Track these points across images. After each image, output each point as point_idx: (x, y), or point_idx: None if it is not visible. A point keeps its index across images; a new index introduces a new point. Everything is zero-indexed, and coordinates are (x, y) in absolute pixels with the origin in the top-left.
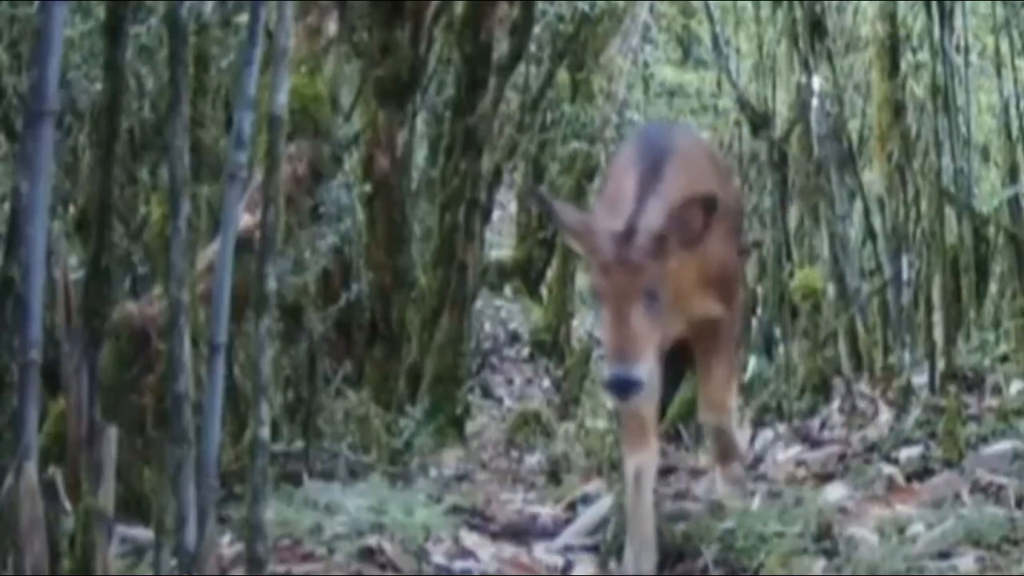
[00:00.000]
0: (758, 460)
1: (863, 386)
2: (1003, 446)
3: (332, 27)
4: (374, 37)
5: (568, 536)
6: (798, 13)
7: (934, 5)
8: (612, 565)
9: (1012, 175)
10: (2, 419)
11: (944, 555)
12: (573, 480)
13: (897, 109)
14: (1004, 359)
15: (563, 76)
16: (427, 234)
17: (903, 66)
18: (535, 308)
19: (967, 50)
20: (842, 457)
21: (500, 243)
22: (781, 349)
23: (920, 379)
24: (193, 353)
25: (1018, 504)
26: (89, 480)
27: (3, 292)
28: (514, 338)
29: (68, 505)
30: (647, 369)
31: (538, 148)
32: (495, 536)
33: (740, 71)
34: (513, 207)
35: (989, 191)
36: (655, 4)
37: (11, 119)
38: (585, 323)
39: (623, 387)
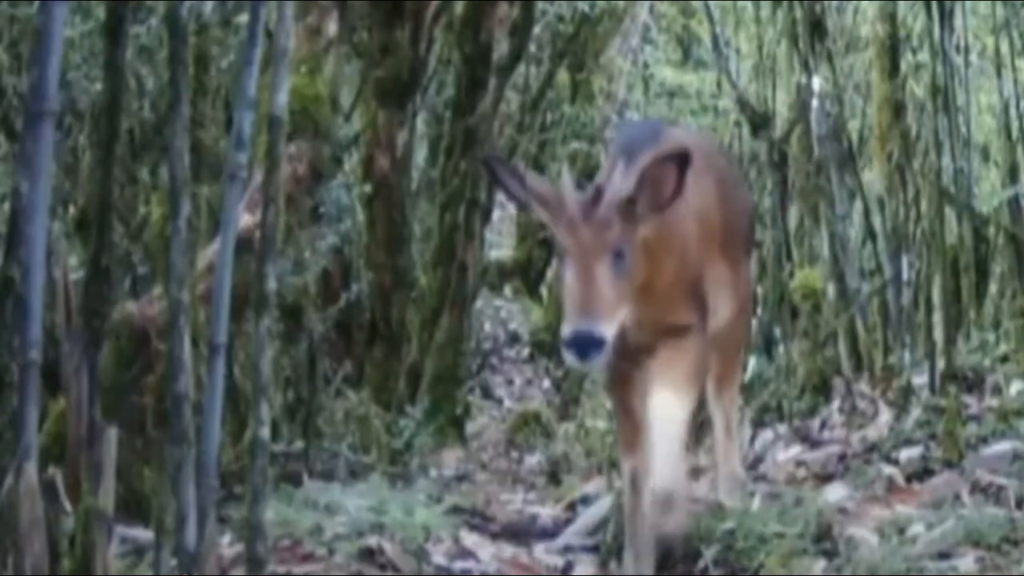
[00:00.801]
0: (758, 460)
1: (863, 386)
2: (1003, 446)
3: (332, 27)
4: (374, 37)
5: (568, 536)
6: (798, 13)
7: (934, 5)
8: (612, 565)
9: (1012, 175)
10: (2, 419)
11: (944, 556)
12: (573, 480)
13: (897, 109)
14: (1004, 359)
15: (563, 76)
16: (427, 234)
17: (903, 66)
18: (535, 308)
19: (967, 50)
20: (842, 457)
21: (500, 243)
22: (781, 349)
23: (920, 379)
24: (193, 353)
25: (1018, 504)
26: (89, 480)
27: (3, 292)
28: (514, 338)
29: (68, 505)
30: (611, 331)
31: (538, 148)
32: (495, 536)
33: (740, 71)
34: (513, 207)
35: (989, 191)
36: (655, 4)
37: (11, 119)
38: None
39: (584, 345)
